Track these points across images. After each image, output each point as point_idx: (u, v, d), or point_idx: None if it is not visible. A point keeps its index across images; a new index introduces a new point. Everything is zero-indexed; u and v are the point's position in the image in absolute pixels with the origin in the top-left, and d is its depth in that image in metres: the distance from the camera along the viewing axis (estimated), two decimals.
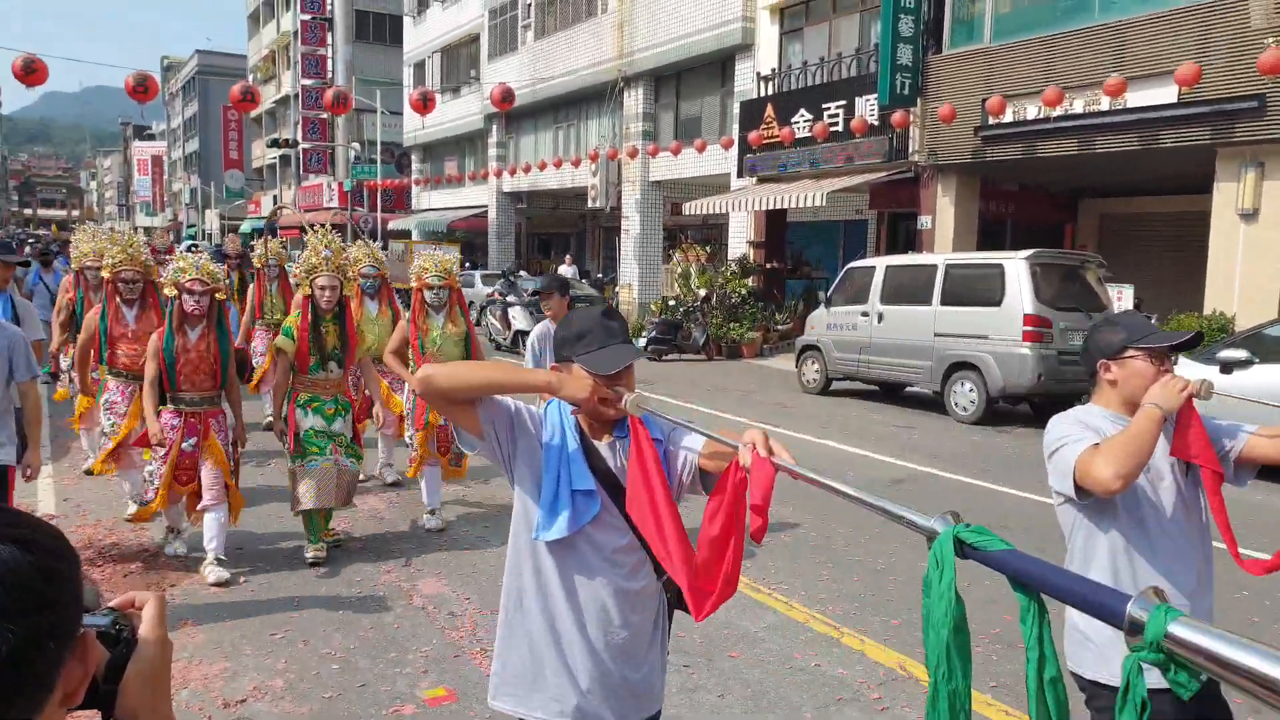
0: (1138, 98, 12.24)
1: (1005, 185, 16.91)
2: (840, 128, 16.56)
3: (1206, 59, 11.48)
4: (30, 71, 14.60)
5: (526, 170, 24.91)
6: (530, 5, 27.18)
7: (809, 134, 16.93)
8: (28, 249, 29.95)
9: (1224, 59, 11.43)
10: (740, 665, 4.18)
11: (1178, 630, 1.00)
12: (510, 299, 18.20)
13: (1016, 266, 10.61)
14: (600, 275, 26.86)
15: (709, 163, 20.46)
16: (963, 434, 10.34)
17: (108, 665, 0.89)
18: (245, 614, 4.71)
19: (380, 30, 41.05)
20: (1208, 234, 12.20)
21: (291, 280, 8.67)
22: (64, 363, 7.57)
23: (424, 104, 16.86)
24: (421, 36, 34.66)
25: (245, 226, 41.40)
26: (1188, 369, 8.85)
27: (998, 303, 10.73)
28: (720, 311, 17.95)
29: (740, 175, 19.31)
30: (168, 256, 8.00)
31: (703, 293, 18.30)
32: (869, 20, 17.25)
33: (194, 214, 61.93)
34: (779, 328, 18.18)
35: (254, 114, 47.61)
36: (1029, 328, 10.41)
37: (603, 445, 2.07)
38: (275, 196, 48.16)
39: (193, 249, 9.90)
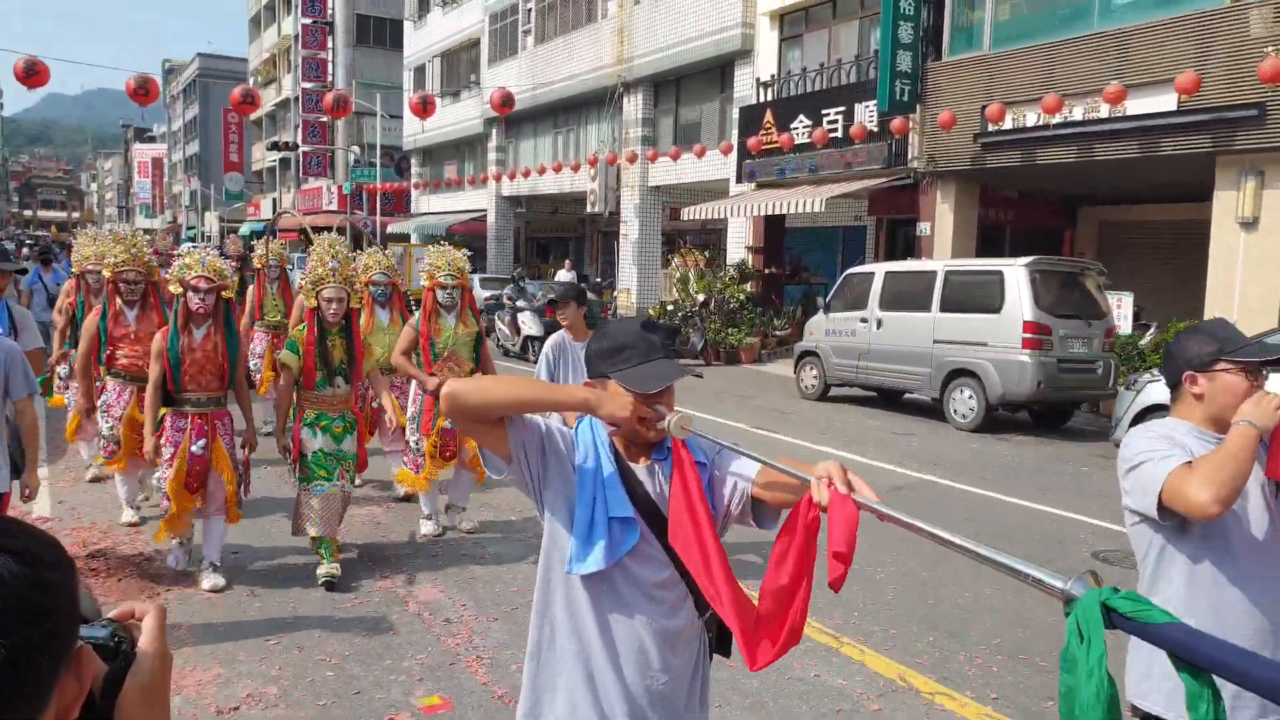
0: (1137, 105, 12.24)
1: (1004, 192, 16.92)
2: (839, 134, 16.56)
3: (1206, 67, 11.49)
4: (32, 73, 14.60)
5: (526, 175, 24.94)
6: (530, 10, 27.22)
7: (808, 140, 16.94)
8: (26, 250, 29.97)
9: (1224, 67, 11.44)
10: (738, 675, 4.15)
11: None
12: (520, 304, 18.06)
13: (1016, 273, 10.60)
14: (599, 280, 26.86)
15: (708, 168, 20.47)
16: (962, 441, 10.32)
17: (105, 679, 0.86)
18: (240, 619, 4.68)
19: (381, 34, 41.11)
20: (1207, 242, 12.20)
21: (294, 288, 8.65)
22: (61, 371, 7.47)
23: (424, 108, 16.88)
24: (422, 41, 34.71)
25: (244, 229, 41.35)
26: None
27: (997, 310, 10.72)
28: (719, 316, 17.95)
29: (739, 181, 19.31)
30: (172, 255, 7.90)
31: (701, 298, 18.29)
32: (869, 27, 17.27)
33: (193, 216, 61.97)
34: (777, 333, 18.17)
35: (254, 117, 47.60)
36: (1028, 335, 10.39)
37: (640, 469, 1.91)
38: (275, 200, 48.18)
39: (192, 242, 9.86)
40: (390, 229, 33.21)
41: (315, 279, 5.33)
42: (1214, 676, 1.05)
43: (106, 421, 5.98)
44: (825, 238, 21.40)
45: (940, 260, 13.35)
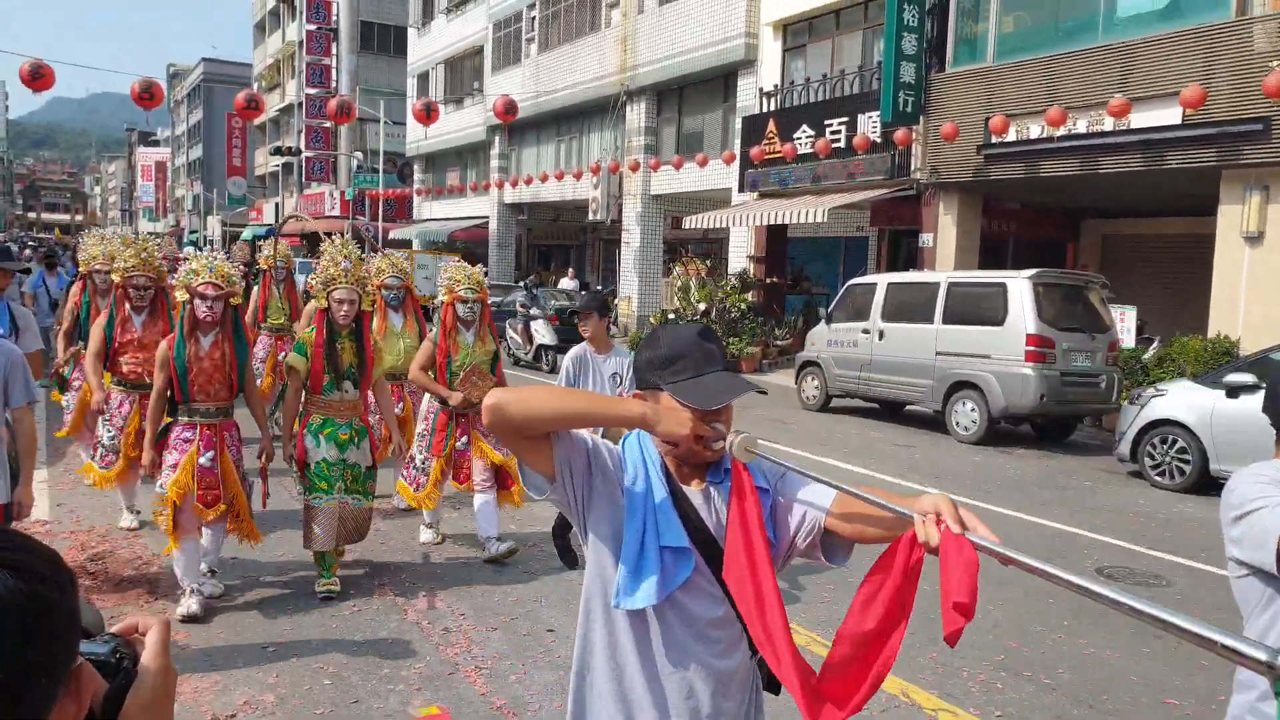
0: (1142, 119, 12.24)
1: (1007, 204, 16.92)
2: (842, 144, 16.58)
3: (1211, 81, 11.49)
4: (37, 77, 14.64)
5: (528, 182, 24.96)
6: (534, 19, 27.29)
7: (811, 150, 16.95)
8: (28, 251, 30.01)
9: (1229, 82, 11.44)
10: None
11: None
12: (533, 312, 17.96)
13: (1019, 286, 10.58)
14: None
15: (710, 177, 20.48)
16: (964, 454, 10.29)
17: (105, 697, 0.83)
18: (238, 626, 4.64)
19: (385, 41, 41.24)
20: (1211, 257, 12.18)
21: (299, 290, 8.62)
22: (65, 371, 7.40)
23: (427, 115, 16.90)
24: (426, 48, 34.80)
25: (246, 233, 41.45)
26: (1186, 393, 8.78)
27: (1000, 322, 10.70)
28: (719, 326, 17.92)
29: (741, 190, 19.32)
30: (179, 260, 7.82)
31: (702, 306, 18.27)
32: (872, 38, 17.29)
33: (196, 220, 62.11)
34: (778, 343, 18.15)
35: (257, 122, 47.72)
36: (1031, 348, 10.37)
37: (694, 492, 1.72)
38: (277, 204, 48.25)
39: (194, 246, 9.84)
40: (392, 235, 33.24)
41: (326, 279, 5.15)
42: None
43: (108, 430, 5.87)
44: (827, 248, 21.40)
45: (943, 272, 13.33)
